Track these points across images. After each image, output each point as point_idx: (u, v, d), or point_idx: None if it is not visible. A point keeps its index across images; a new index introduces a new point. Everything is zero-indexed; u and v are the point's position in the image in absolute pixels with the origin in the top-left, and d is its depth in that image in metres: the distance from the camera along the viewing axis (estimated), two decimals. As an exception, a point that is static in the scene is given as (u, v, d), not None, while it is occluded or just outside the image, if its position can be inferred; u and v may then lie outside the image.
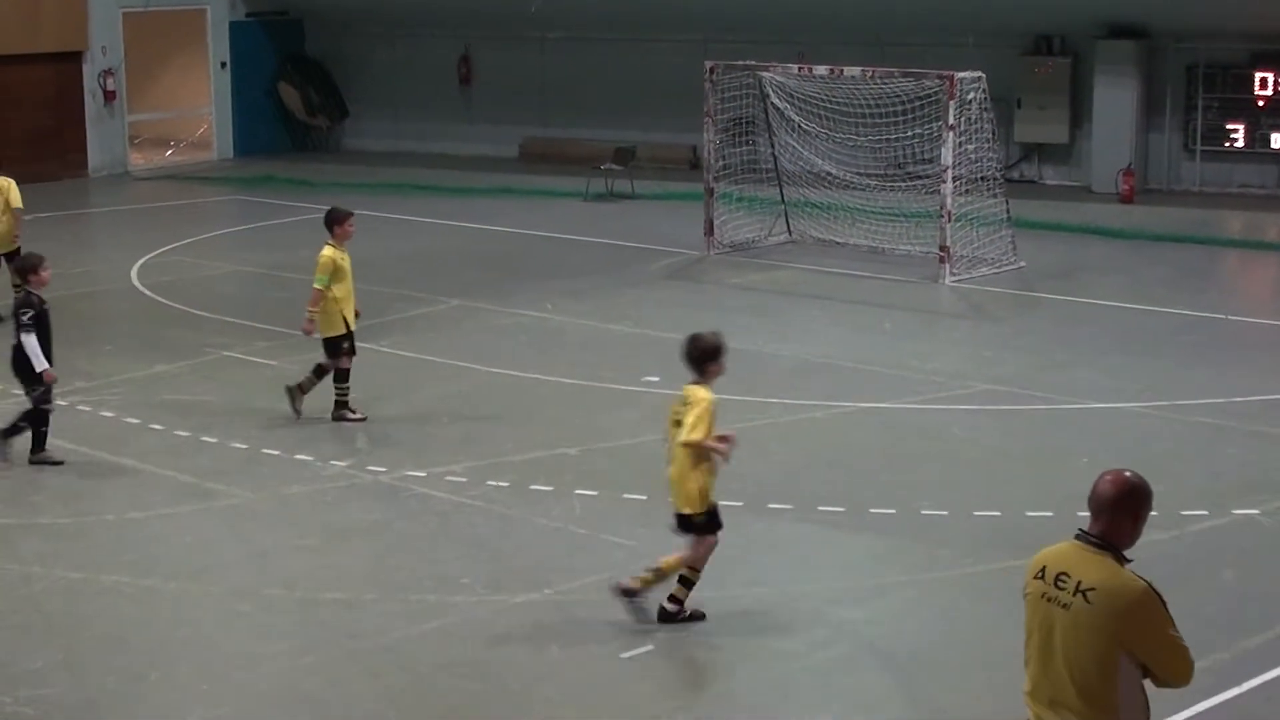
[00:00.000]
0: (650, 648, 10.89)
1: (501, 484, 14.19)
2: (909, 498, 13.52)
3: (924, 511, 13.26)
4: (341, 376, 16.05)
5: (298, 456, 14.98)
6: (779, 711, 10.22)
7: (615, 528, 13.10)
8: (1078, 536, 6.78)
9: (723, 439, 11.06)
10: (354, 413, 16.08)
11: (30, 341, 14.49)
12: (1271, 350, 18.98)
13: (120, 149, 34.46)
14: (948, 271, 22.45)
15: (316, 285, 15.76)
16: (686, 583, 11.18)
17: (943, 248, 22.56)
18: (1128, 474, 6.80)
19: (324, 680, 10.51)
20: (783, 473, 14.38)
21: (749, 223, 25.36)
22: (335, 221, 15.96)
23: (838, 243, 24.51)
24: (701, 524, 11.13)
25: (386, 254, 25.02)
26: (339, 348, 15.92)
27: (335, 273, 15.74)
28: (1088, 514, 6.78)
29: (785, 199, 25.68)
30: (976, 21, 29.35)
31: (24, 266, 15.01)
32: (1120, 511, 6.74)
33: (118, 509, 13.75)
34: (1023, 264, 23.07)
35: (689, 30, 32.07)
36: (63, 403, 16.78)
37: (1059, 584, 6.80)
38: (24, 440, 14.91)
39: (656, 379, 17.55)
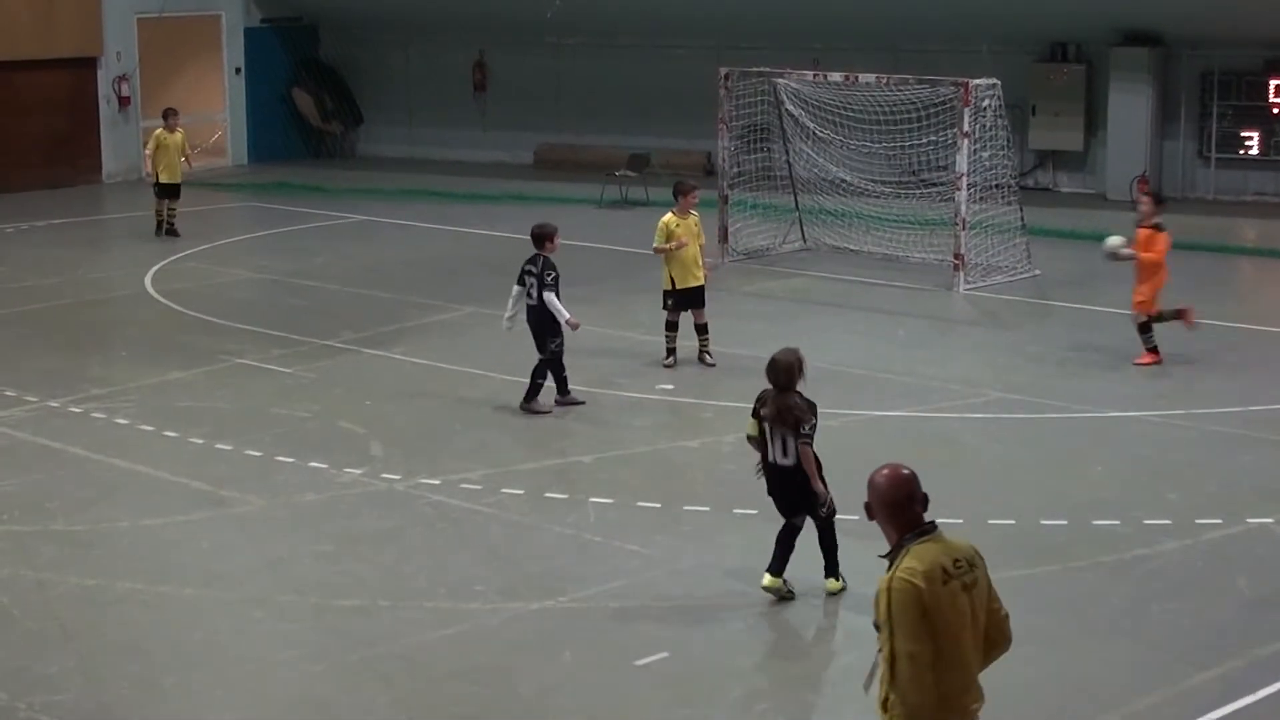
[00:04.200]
0: (664, 655, 10.89)
1: (515, 491, 14.19)
2: (923, 506, 13.50)
3: (938, 520, 13.21)
4: (702, 329, 18.36)
5: (311, 464, 14.99)
6: (793, 718, 10.22)
7: (629, 535, 13.09)
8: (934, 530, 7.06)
9: None
10: (710, 356, 18.39)
11: (552, 298, 16.29)
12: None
13: (134, 155, 34.43)
14: (962, 279, 22.43)
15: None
16: None
17: (957, 255, 22.54)
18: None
19: (338, 687, 10.52)
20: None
21: (763, 230, 25.34)
22: (680, 193, 18.38)
23: (852, 250, 24.49)
24: None
25: (400, 260, 25.09)
26: (665, 301, 18.28)
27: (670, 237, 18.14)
28: (935, 519, 7.28)
29: (800, 206, 25.66)
30: (991, 28, 29.35)
31: (541, 235, 16.66)
32: None
33: (132, 516, 13.77)
34: (1037, 272, 23.04)
35: (704, 36, 32.09)
36: (77, 409, 16.86)
37: (958, 569, 7.04)
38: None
39: (670, 386, 17.58)
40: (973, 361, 18.64)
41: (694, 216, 18.27)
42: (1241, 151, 28.63)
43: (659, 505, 13.76)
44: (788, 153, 25.64)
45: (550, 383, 16.70)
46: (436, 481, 14.48)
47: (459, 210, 29.62)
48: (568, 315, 16.34)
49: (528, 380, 16.63)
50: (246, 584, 12.28)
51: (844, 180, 24.98)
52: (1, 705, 10.23)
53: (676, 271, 18.15)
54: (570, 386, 16.79)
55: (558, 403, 16.71)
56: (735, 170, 25.06)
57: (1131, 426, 16.14)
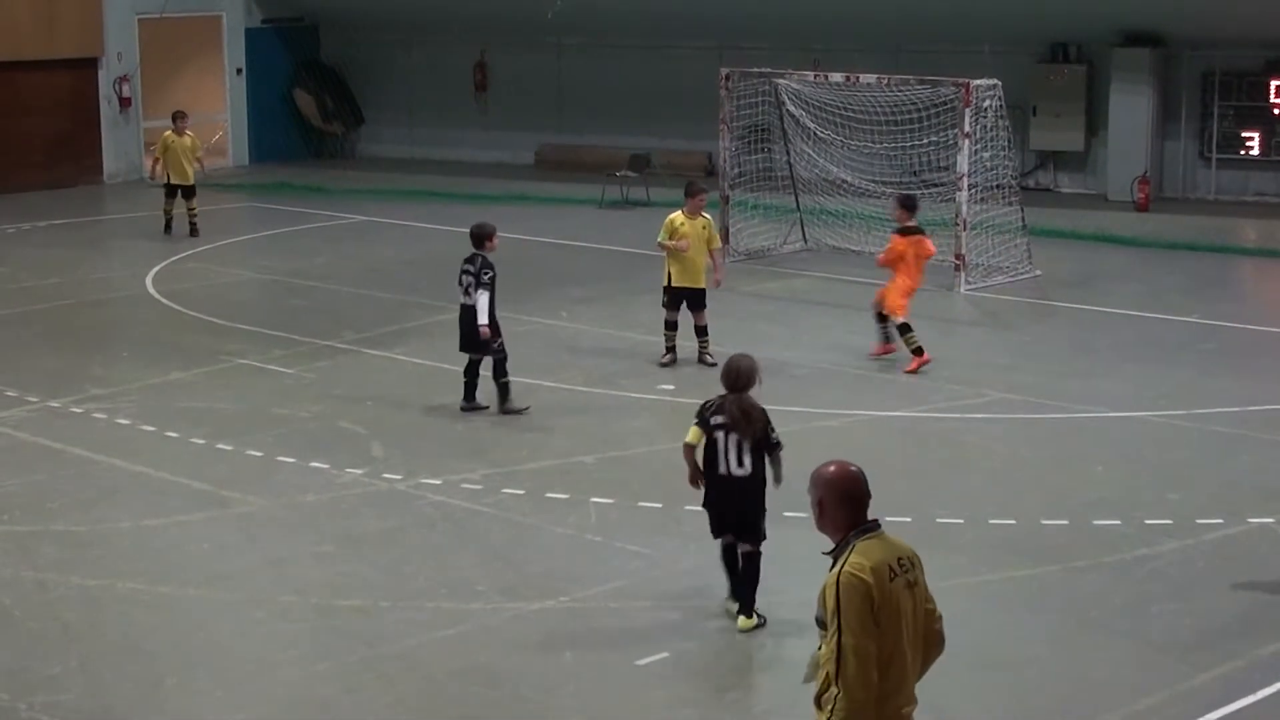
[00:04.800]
0: (665, 655, 10.90)
1: (517, 492, 14.20)
2: (924, 506, 13.50)
3: (939, 520, 13.24)
4: (701, 331, 18.39)
5: (313, 464, 15.00)
6: (792, 717, 10.22)
7: (631, 536, 13.10)
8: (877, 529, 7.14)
9: None
10: (710, 357, 17.96)
11: (483, 297, 16.21)
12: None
13: (135, 155, 34.49)
14: (963, 280, 22.43)
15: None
16: None
17: (958, 256, 22.54)
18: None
19: (339, 687, 10.53)
20: (797, 481, 14.33)
21: (764, 230, 25.36)
22: (690, 194, 18.43)
23: (853, 250, 24.49)
24: None
25: (401, 260, 25.09)
26: (663, 296, 18.38)
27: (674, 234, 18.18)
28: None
29: (801, 206, 25.67)
30: (992, 29, 29.35)
31: (480, 234, 16.55)
32: None
33: (133, 516, 13.77)
34: (1038, 272, 23.05)
35: (705, 37, 32.10)
36: (78, 410, 16.87)
37: (903, 567, 7.09)
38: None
39: (671, 387, 17.58)
40: (973, 362, 18.64)
41: (704, 219, 18.28)
42: (1242, 152, 28.63)
43: (660, 505, 13.76)
44: (789, 153, 25.65)
45: (515, 380, 16.69)
46: (437, 482, 14.49)
47: (459, 210, 29.54)
48: (484, 320, 16.20)
49: (496, 386, 16.55)
50: (248, 584, 12.28)
51: (845, 181, 24.98)
52: (3, 705, 10.24)
53: (676, 269, 18.17)
54: (575, 386, 16.79)
55: (464, 409, 16.61)
56: (736, 171, 25.08)
57: (1132, 426, 16.14)
